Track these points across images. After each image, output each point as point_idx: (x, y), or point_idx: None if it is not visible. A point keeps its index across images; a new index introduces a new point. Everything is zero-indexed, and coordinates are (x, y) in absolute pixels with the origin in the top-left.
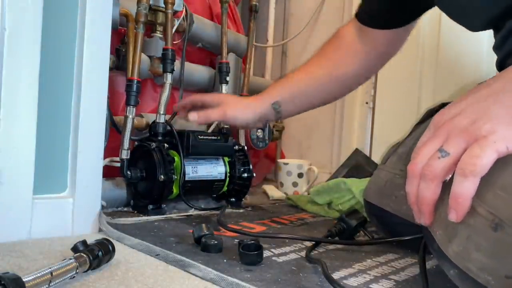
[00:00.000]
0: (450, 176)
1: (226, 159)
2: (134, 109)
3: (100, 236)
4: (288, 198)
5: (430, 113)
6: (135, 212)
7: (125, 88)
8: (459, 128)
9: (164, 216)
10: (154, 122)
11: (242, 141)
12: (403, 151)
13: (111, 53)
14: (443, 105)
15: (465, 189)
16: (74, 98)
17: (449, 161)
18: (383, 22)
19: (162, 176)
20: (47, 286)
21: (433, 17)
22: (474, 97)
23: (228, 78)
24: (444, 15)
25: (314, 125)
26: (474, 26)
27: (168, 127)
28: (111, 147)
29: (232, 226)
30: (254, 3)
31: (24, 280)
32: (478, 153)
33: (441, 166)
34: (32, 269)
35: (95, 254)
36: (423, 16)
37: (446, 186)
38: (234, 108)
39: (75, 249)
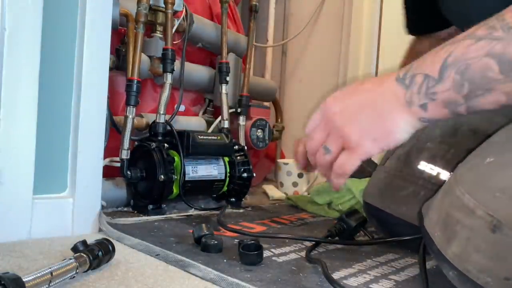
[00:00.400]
0: (445, 180)
1: (226, 159)
2: (134, 109)
3: (100, 236)
4: (288, 198)
5: None
6: (135, 212)
7: (125, 88)
8: (337, 130)
9: (164, 216)
10: (154, 122)
11: (242, 141)
12: (402, 152)
13: (111, 53)
14: None
15: (338, 182)
16: (74, 98)
17: (331, 157)
18: (440, 24)
19: (162, 176)
20: (47, 286)
21: None
22: (356, 99)
23: (228, 78)
24: None
25: None
26: None
27: (168, 127)
28: (111, 147)
29: (232, 226)
30: (254, 3)
31: (24, 280)
32: (347, 161)
33: (326, 160)
34: (32, 269)
35: (95, 254)
36: None
37: (441, 190)
38: None
39: (75, 249)
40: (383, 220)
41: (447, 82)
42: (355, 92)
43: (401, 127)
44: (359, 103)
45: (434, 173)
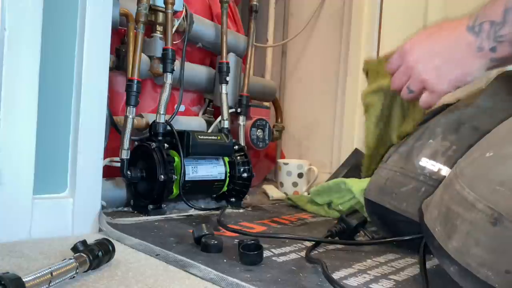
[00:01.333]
0: (445, 176)
1: (226, 159)
2: (134, 109)
3: (100, 236)
4: (288, 198)
5: (432, 114)
6: (135, 212)
7: (125, 88)
8: (417, 76)
9: (164, 216)
10: (154, 122)
11: (242, 141)
12: (404, 149)
13: (111, 53)
14: (445, 106)
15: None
16: (74, 98)
17: (414, 96)
18: None
19: (162, 176)
20: (47, 286)
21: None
22: (432, 46)
23: (228, 78)
24: None
25: (314, 125)
26: None
27: (168, 127)
28: (111, 147)
29: (232, 226)
30: (254, 3)
31: (24, 280)
32: (430, 99)
33: (410, 97)
34: (32, 269)
35: (95, 254)
36: None
37: (441, 185)
38: None
39: (75, 249)
40: (384, 217)
41: (510, 24)
42: (430, 38)
43: (475, 69)
44: (436, 50)
45: (435, 169)
